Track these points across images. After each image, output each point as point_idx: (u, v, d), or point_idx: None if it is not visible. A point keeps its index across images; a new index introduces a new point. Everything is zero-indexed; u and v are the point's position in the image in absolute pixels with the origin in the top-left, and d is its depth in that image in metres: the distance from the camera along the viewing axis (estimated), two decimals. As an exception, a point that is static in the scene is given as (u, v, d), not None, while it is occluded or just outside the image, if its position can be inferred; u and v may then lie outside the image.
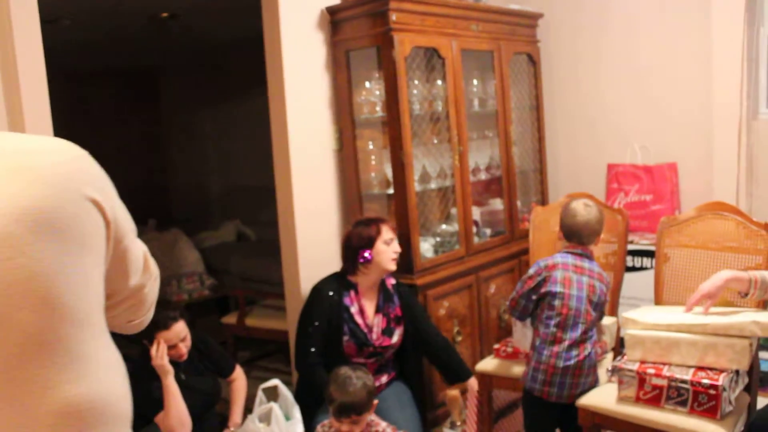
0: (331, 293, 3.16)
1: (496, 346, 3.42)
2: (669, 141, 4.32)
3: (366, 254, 3.15)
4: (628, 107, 4.48)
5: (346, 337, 3.12)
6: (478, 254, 4.05)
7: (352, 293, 3.20)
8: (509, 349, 3.34)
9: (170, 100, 8.10)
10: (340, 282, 3.22)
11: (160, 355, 2.80)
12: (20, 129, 2.77)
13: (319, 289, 3.20)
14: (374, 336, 3.18)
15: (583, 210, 2.96)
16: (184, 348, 2.91)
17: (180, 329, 2.88)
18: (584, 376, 2.82)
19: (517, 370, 3.22)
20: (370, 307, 3.22)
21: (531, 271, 2.97)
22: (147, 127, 7.98)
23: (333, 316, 3.12)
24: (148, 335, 2.81)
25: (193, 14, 5.54)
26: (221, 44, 7.01)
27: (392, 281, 3.32)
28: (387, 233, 3.17)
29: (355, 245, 3.17)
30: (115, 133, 7.58)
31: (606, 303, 2.97)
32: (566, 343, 2.80)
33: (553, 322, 2.83)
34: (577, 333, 2.81)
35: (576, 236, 2.96)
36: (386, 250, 3.16)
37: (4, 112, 2.77)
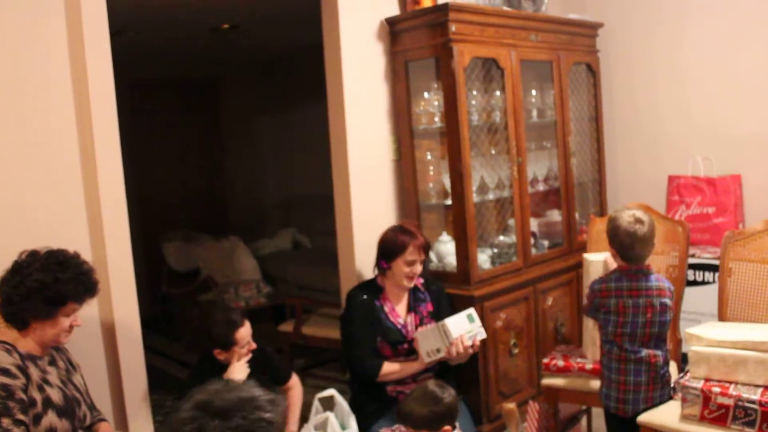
0: (364, 297, 3.24)
1: (546, 360, 3.39)
2: (733, 153, 4.22)
3: (383, 264, 3.22)
4: (689, 118, 4.39)
5: (379, 338, 3.19)
6: (536, 266, 4.01)
7: (381, 296, 3.26)
8: (560, 363, 3.31)
9: (229, 110, 8.21)
10: (369, 286, 3.29)
11: (242, 364, 2.88)
12: (88, 134, 2.86)
13: (352, 296, 3.28)
14: (408, 333, 3.22)
15: (633, 224, 2.75)
16: (254, 344, 2.96)
17: (248, 326, 2.94)
18: (658, 390, 2.79)
19: (581, 382, 3.22)
20: (401, 306, 3.28)
21: (589, 290, 2.94)
22: (206, 136, 8.10)
23: (369, 318, 3.20)
24: (222, 345, 2.85)
25: (253, 25, 5.63)
26: (280, 54, 7.10)
27: (420, 281, 3.33)
28: (411, 254, 3.16)
29: (380, 250, 3.25)
30: (175, 142, 7.71)
31: (671, 311, 2.84)
32: (632, 361, 2.77)
33: (614, 342, 2.82)
34: (641, 353, 2.77)
35: (629, 253, 2.79)
36: (403, 270, 3.17)
37: (74, 118, 2.85)
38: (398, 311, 3.25)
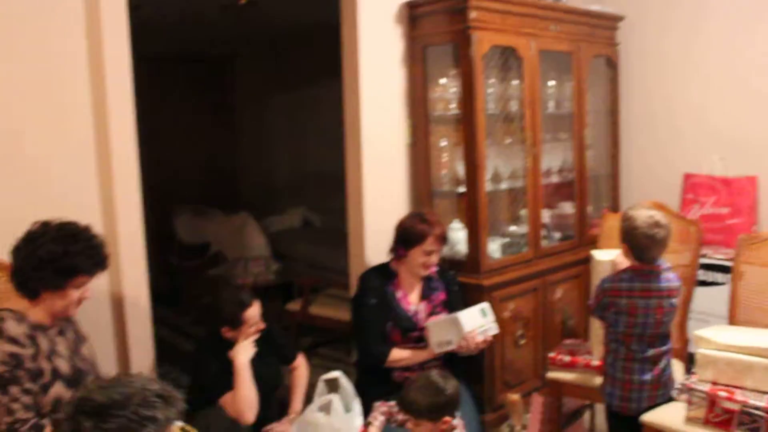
0: (377, 281, 3.22)
1: (552, 354, 3.39)
2: (750, 153, 4.18)
3: (400, 251, 3.20)
4: (708, 116, 4.35)
5: (390, 324, 3.18)
6: (546, 258, 4.00)
7: (395, 281, 3.24)
8: (566, 359, 3.31)
9: (243, 86, 8.18)
10: (383, 270, 3.27)
11: (249, 343, 2.87)
12: (102, 108, 2.86)
13: (365, 279, 3.27)
14: (419, 320, 3.20)
15: (652, 226, 2.70)
16: (262, 324, 2.97)
17: (258, 306, 2.94)
18: (662, 388, 2.79)
19: (586, 378, 3.22)
20: (414, 293, 3.26)
21: (599, 288, 2.89)
22: (219, 113, 8.08)
23: (381, 303, 3.18)
24: (231, 323, 2.86)
25: (269, 1, 5.58)
26: (296, 32, 7.05)
27: (434, 269, 3.29)
28: (430, 245, 3.14)
29: (399, 237, 3.21)
30: (188, 118, 7.70)
31: (677, 310, 2.85)
32: (638, 360, 2.76)
33: (621, 342, 2.80)
34: (647, 353, 2.76)
35: (644, 254, 2.75)
36: (420, 259, 3.16)
37: (89, 89, 2.85)
38: (410, 298, 3.24)
